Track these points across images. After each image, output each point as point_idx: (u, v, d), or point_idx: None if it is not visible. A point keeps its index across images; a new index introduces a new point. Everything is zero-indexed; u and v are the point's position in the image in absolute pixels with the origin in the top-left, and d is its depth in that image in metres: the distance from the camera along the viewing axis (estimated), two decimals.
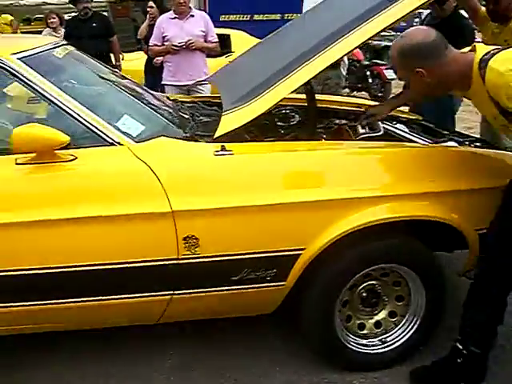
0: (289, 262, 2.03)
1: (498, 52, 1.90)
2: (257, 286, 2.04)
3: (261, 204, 1.94)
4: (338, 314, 2.20)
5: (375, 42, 7.88)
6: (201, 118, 2.68)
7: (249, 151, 2.08)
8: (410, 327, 2.30)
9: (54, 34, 6.36)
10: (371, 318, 2.32)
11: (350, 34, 2.13)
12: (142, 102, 2.46)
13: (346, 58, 4.39)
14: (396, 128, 2.73)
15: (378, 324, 2.32)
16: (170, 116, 2.44)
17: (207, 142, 2.11)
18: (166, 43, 4.42)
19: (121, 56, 6.04)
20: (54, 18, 6.40)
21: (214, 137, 2.11)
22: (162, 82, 4.58)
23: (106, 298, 2.00)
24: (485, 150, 2.35)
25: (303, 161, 2.09)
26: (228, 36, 7.11)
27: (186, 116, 2.60)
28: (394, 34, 7.82)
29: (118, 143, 1.96)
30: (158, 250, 1.94)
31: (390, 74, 7.56)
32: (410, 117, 3.05)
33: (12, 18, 9.97)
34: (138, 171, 1.92)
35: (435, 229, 2.14)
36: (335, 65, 4.17)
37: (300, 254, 2.02)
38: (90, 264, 1.92)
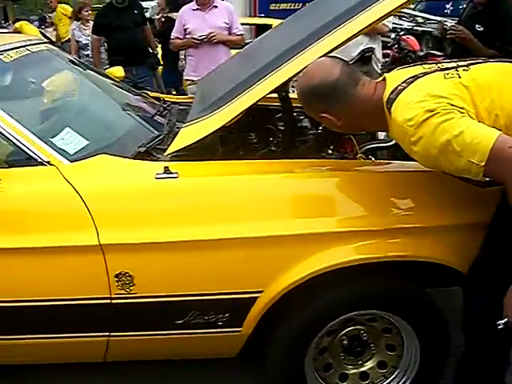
0: (244, 306, 1.71)
1: (404, 88, 1.49)
2: (206, 331, 1.74)
3: (207, 239, 1.63)
4: (313, 363, 1.86)
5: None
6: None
7: (199, 173, 1.77)
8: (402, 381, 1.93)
9: (83, 27, 6.23)
10: (356, 368, 1.96)
11: (320, 40, 1.78)
12: (106, 109, 2.19)
13: (379, 53, 3.92)
14: None
15: (364, 375, 1.96)
16: (136, 126, 2.16)
17: (159, 160, 1.82)
18: (187, 36, 4.14)
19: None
20: (88, 10, 6.27)
21: (166, 153, 1.82)
22: (184, 78, 4.33)
23: (44, 336, 1.77)
24: None
25: (262, 187, 1.74)
26: (270, 26, 6.73)
27: (162, 123, 2.31)
28: None
29: (48, 162, 1.71)
30: (89, 287, 1.68)
31: None
32: None
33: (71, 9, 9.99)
34: (65, 197, 1.66)
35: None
36: (366, 60, 3.76)
37: (257, 298, 1.69)
38: (18, 300, 1.70)
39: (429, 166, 1.53)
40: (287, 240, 1.65)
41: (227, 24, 4.13)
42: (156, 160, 1.82)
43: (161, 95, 3.02)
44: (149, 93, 2.99)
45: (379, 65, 3.93)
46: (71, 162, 1.74)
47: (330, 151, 2.31)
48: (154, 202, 1.67)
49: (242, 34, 4.21)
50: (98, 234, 1.62)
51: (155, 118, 2.38)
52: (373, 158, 2.17)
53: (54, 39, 7.87)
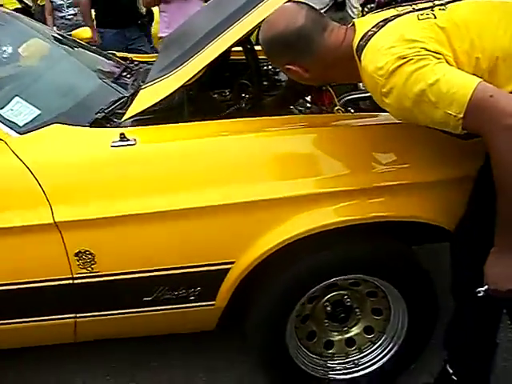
0: (215, 278, 1.60)
1: (375, 33, 1.33)
2: (178, 306, 1.64)
3: (169, 209, 1.50)
4: (295, 332, 1.77)
5: None
6: None
7: (159, 138, 1.63)
8: (389, 347, 1.84)
9: None
10: (341, 335, 1.87)
11: None
12: (63, 75, 2.03)
13: None
14: None
15: (350, 341, 1.87)
16: (97, 90, 2.00)
17: (119, 126, 1.68)
18: None
19: None
20: None
21: (123, 119, 1.67)
22: (158, 35, 4.11)
23: (9, 321, 1.67)
24: None
25: (227, 149, 1.59)
26: None
27: (127, 85, 2.14)
28: None
29: None
30: (48, 268, 1.56)
31: None
32: None
33: None
34: (15, 172, 1.53)
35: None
36: (339, 6, 3.54)
37: (229, 269, 1.58)
38: None
39: (403, 119, 1.38)
40: (258, 206, 1.52)
41: None
42: (115, 126, 1.67)
43: (129, 55, 2.84)
44: (116, 53, 2.81)
45: (355, 11, 3.70)
46: (21, 134, 1.59)
47: (306, 105, 2.16)
48: (111, 173, 1.53)
49: None
50: (53, 211, 1.49)
51: (120, 79, 2.22)
52: (352, 111, 2.03)
53: (30, 3, 7.56)
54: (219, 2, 2.44)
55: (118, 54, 2.82)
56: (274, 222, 1.54)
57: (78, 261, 1.53)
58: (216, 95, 2.47)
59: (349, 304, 1.79)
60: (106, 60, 2.50)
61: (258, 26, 1.62)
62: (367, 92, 2.11)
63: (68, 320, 1.65)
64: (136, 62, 2.58)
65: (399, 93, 1.24)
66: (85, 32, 3.33)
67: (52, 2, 6.00)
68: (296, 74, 1.49)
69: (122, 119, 1.67)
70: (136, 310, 1.64)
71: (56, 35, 2.65)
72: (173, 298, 1.61)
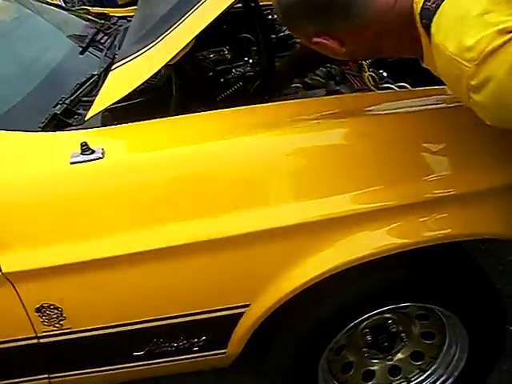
0: (225, 326, 1.22)
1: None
2: (178, 358, 1.27)
3: (153, 248, 1.10)
4: (327, 367, 1.42)
5: None
6: None
7: (137, 146, 1.20)
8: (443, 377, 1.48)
9: None
10: (383, 363, 1.51)
11: None
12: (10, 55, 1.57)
13: None
14: None
15: (394, 370, 1.52)
16: (57, 69, 1.53)
17: (82, 126, 1.24)
18: None
19: None
20: None
21: (86, 118, 1.24)
22: None
23: None
24: None
25: (231, 160, 1.15)
26: None
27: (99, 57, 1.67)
28: None
29: None
30: (7, 328, 1.19)
31: None
32: None
33: None
34: None
35: None
36: None
37: (242, 314, 1.20)
38: None
39: (501, 125, 0.92)
40: (276, 234, 1.12)
41: None
42: (76, 128, 1.24)
43: (108, 9, 2.32)
44: (90, 9, 2.31)
45: None
46: None
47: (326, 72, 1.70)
48: (71, 203, 1.11)
49: None
50: None
51: (90, 48, 1.74)
52: (385, 74, 1.60)
53: None
54: None
55: (93, 9, 2.31)
56: (299, 254, 1.14)
57: (41, 317, 1.16)
58: (213, 55, 2.00)
59: (394, 330, 1.42)
60: (74, 19, 2.01)
61: None
62: None
63: (42, 381, 1.29)
64: (115, 19, 2.08)
65: (500, 86, 0.78)
66: None
67: None
68: (327, 49, 1.03)
69: (87, 117, 1.23)
70: (125, 366, 1.28)
71: None
72: (172, 351, 1.24)
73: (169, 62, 1.21)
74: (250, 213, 1.10)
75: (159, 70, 1.25)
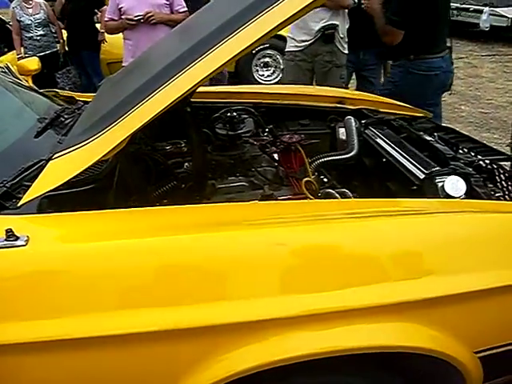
0: None
1: None
2: None
3: (78, 337, 1.10)
4: None
5: None
6: None
7: (63, 236, 1.23)
8: None
9: (25, 5, 5.56)
10: None
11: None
12: None
13: (343, 30, 3.36)
14: (381, 137, 1.82)
15: None
16: (12, 149, 1.58)
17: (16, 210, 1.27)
18: (122, 17, 3.54)
19: None
20: None
21: (20, 203, 1.27)
22: (123, 64, 3.73)
23: None
24: None
25: (157, 261, 1.18)
26: None
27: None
28: None
29: None
30: None
31: None
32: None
33: None
34: None
35: None
36: (327, 39, 3.21)
37: None
38: None
39: None
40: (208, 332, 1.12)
41: (168, 0, 3.52)
42: (9, 212, 1.27)
43: (76, 94, 2.43)
44: (59, 92, 2.41)
45: (344, 44, 3.37)
46: None
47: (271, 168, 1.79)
48: None
49: (185, 11, 3.61)
50: None
51: (46, 131, 1.80)
52: (325, 180, 1.68)
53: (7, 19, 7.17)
54: (184, 30, 2.05)
55: (62, 92, 2.42)
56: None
57: None
58: (169, 147, 2.09)
59: None
60: (40, 100, 2.09)
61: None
62: (345, 153, 1.75)
63: None
64: (80, 104, 2.17)
65: None
66: (32, 63, 2.92)
67: (20, 22, 5.62)
68: None
69: (20, 203, 1.27)
70: None
71: None
72: None
73: (102, 157, 1.27)
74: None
75: (104, 161, 1.30)
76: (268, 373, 1.14)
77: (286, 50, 3.55)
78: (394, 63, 3.00)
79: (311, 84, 3.51)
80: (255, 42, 1.25)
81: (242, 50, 1.24)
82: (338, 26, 3.25)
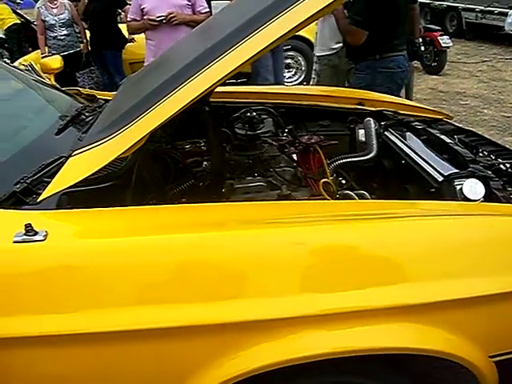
0: None
1: None
2: None
3: (88, 332, 1.12)
4: None
5: (436, 3, 6.62)
6: None
7: (78, 233, 1.24)
8: None
9: (50, 5, 5.65)
10: None
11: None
12: None
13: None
14: (400, 139, 1.81)
15: None
16: (32, 147, 1.61)
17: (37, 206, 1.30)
18: (145, 17, 3.57)
19: None
20: None
21: (39, 199, 1.29)
22: (144, 64, 3.76)
23: None
24: None
25: (170, 259, 1.19)
26: None
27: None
28: None
29: None
30: None
31: (444, 41, 6.57)
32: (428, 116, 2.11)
33: None
34: None
35: None
36: None
37: None
38: None
39: None
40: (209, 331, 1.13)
41: (190, 1, 3.55)
42: (30, 208, 1.29)
43: (97, 92, 2.46)
44: (81, 90, 2.44)
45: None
46: None
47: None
48: (12, 282, 1.14)
49: (207, 12, 3.63)
50: None
51: (68, 128, 1.83)
52: (343, 182, 1.67)
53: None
54: (204, 30, 2.06)
55: (84, 90, 2.45)
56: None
57: None
58: (189, 146, 2.10)
59: None
60: (63, 98, 2.11)
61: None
62: (363, 155, 1.75)
63: None
64: (101, 102, 2.20)
65: None
66: (54, 61, 2.96)
67: (44, 22, 5.71)
68: None
69: (39, 199, 1.29)
70: None
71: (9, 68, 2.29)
72: None
73: (120, 155, 1.28)
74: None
75: (123, 159, 1.32)
76: (277, 373, 1.14)
77: (319, 54, 3.69)
78: (360, 63, 3.05)
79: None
80: (272, 43, 1.25)
81: (260, 51, 1.24)
82: None
